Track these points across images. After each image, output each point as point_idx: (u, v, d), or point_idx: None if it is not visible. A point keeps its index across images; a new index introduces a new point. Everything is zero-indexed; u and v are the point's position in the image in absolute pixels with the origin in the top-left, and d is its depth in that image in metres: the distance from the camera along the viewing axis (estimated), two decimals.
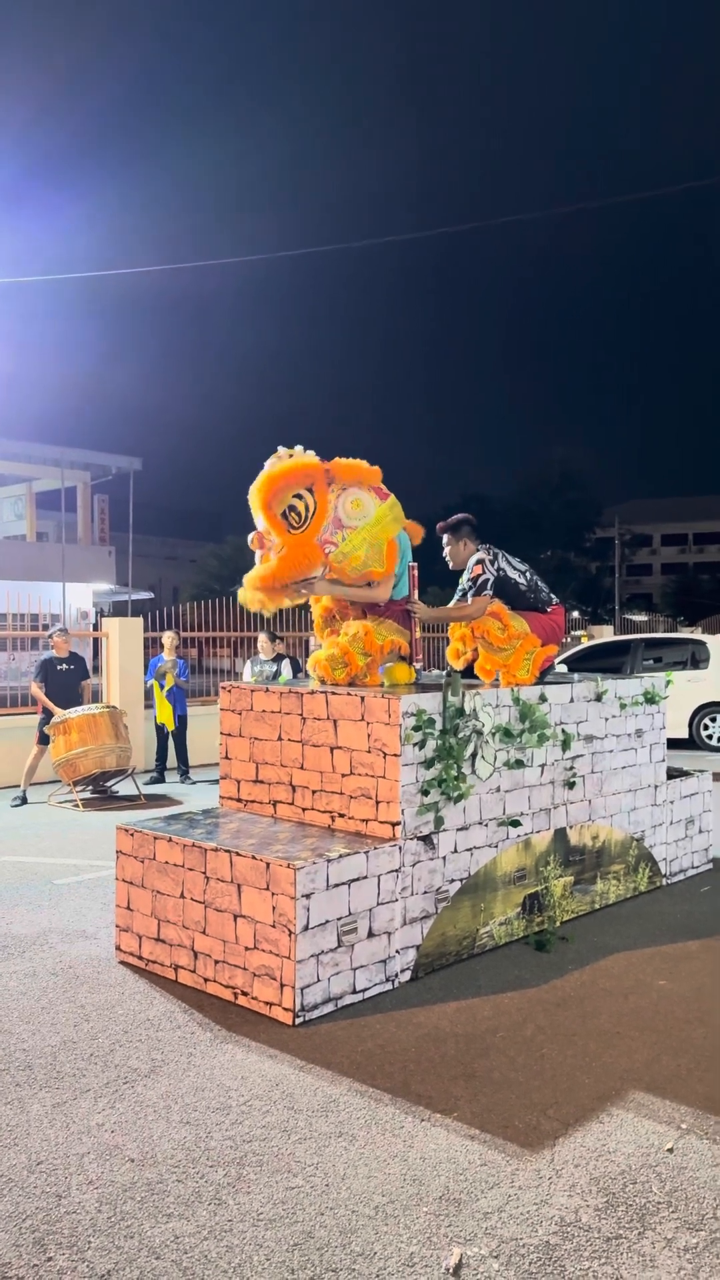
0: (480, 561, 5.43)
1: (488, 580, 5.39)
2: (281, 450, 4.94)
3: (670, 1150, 3.02)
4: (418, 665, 5.41)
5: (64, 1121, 3.22)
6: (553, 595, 5.67)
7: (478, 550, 5.52)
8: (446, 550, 5.67)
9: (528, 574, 5.58)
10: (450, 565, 5.69)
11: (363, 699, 4.60)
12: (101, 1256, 2.53)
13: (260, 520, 4.88)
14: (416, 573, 5.36)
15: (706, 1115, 3.22)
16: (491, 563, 5.42)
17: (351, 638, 5.07)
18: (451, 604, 5.63)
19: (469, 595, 5.46)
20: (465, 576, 5.55)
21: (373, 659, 5.07)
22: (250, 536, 5.00)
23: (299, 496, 4.79)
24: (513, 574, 5.48)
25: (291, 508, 4.79)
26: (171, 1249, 2.55)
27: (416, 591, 5.35)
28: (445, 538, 5.69)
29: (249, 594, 4.98)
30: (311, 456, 4.93)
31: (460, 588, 5.60)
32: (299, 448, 4.96)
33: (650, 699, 5.98)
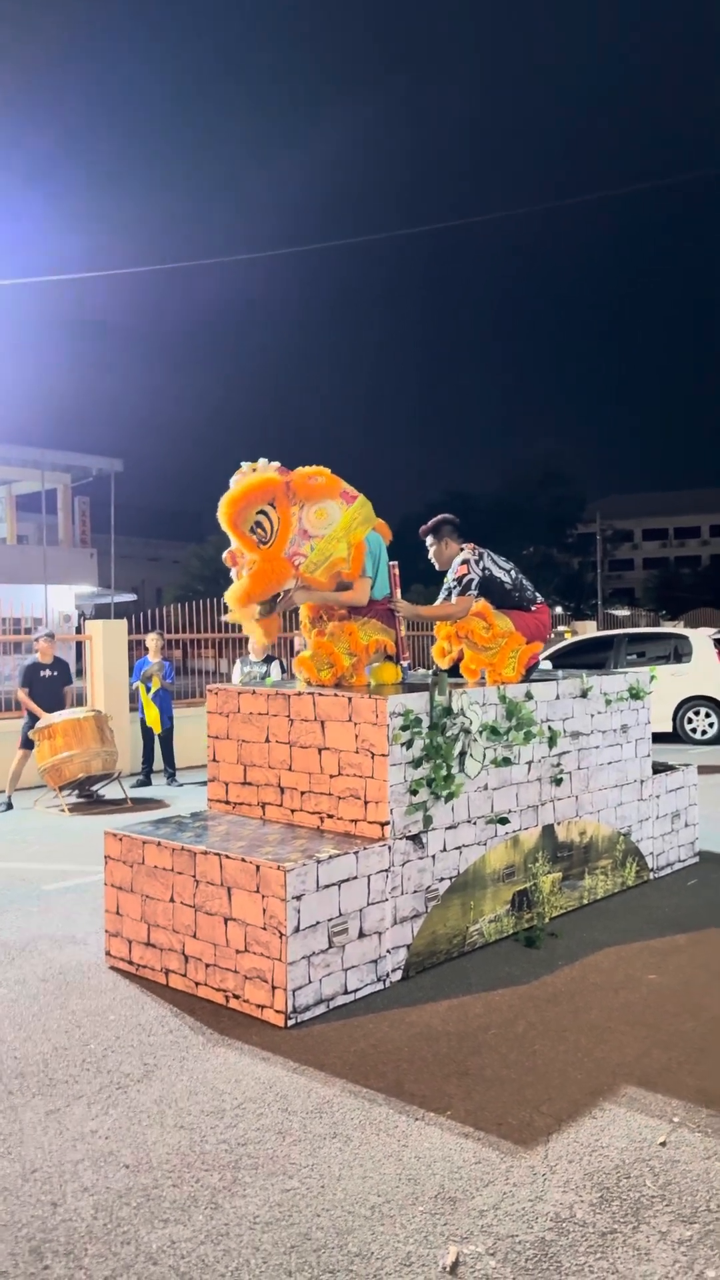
0: (466, 561, 5.45)
1: (472, 580, 5.40)
2: (245, 465, 4.96)
3: (663, 1144, 3.04)
4: (404, 664, 5.42)
5: (58, 1129, 3.21)
6: (538, 594, 5.70)
7: (462, 549, 5.54)
8: (431, 552, 5.69)
9: (513, 572, 5.60)
10: (436, 566, 5.70)
11: (350, 700, 4.60)
12: (99, 1263, 2.53)
13: (231, 539, 4.94)
14: (398, 571, 5.37)
15: (698, 1108, 3.25)
16: (477, 562, 5.44)
17: (336, 637, 5.08)
18: (436, 603, 5.65)
19: (453, 595, 5.47)
20: (450, 576, 5.56)
21: (358, 658, 5.08)
22: (225, 555, 5.06)
23: (262, 513, 4.84)
24: (498, 573, 5.50)
25: (257, 523, 4.85)
26: (169, 1254, 2.55)
27: (399, 590, 5.36)
28: (428, 540, 5.71)
29: (234, 613, 5.04)
30: (273, 470, 4.94)
31: (446, 587, 5.62)
32: (262, 461, 4.97)
33: (635, 694, 6.01)
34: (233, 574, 5.05)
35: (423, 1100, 3.34)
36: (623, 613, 37.47)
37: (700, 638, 13.25)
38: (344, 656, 5.03)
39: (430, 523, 5.75)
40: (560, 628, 22.09)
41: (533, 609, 5.57)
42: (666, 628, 20.16)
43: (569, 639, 15.52)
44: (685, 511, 76.41)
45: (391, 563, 5.34)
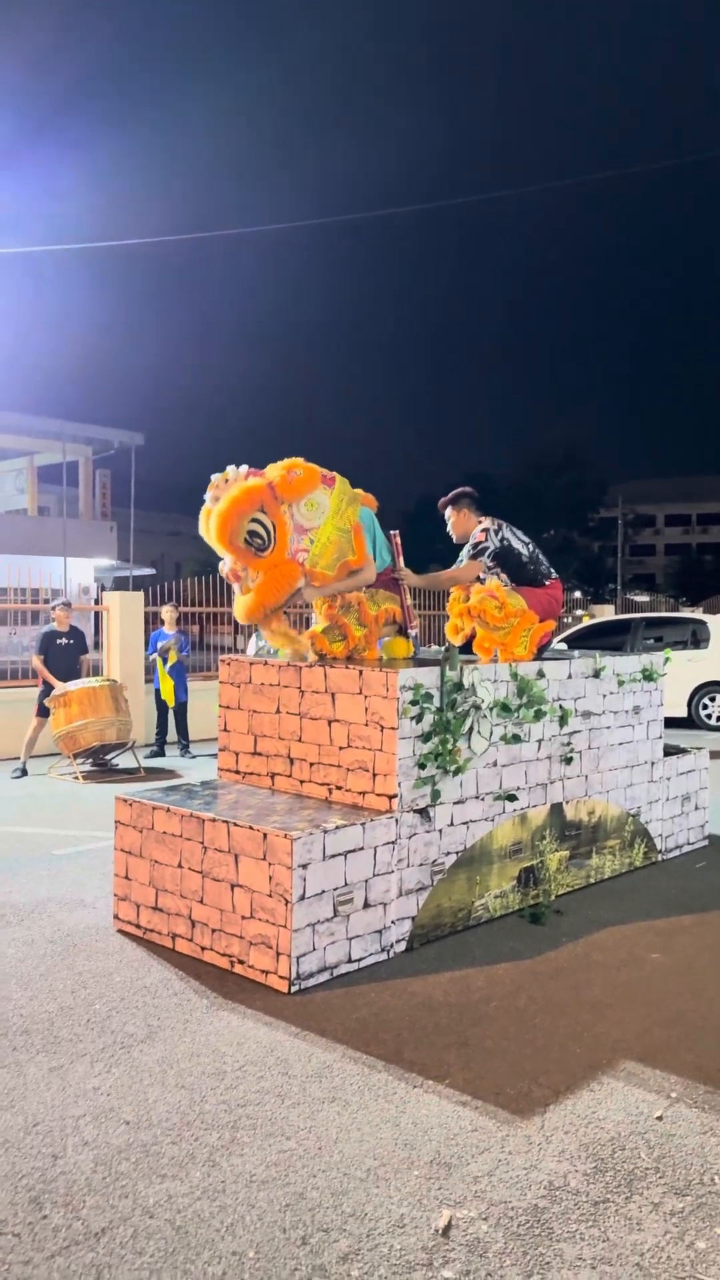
0: (485, 530, 5.46)
1: (487, 548, 5.41)
2: (215, 478, 4.83)
3: (659, 1118, 3.05)
4: (413, 631, 5.42)
5: (60, 1085, 3.26)
6: (552, 570, 5.68)
7: (482, 521, 5.54)
8: (450, 524, 5.69)
9: (530, 546, 5.59)
10: (454, 538, 5.70)
11: (360, 673, 4.61)
12: (96, 1215, 2.57)
13: (226, 557, 4.83)
14: (399, 539, 5.35)
15: (696, 1085, 3.26)
16: (495, 532, 5.45)
17: (346, 610, 5.08)
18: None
19: (465, 561, 5.48)
20: (467, 546, 5.56)
21: (369, 629, 5.08)
22: (224, 571, 4.94)
23: (256, 521, 4.71)
24: (516, 544, 5.50)
25: (252, 533, 4.71)
26: (165, 1208, 2.59)
27: (401, 559, 5.35)
28: (447, 511, 5.71)
29: (247, 621, 4.98)
30: (246, 474, 4.81)
31: (460, 557, 5.62)
32: (230, 469, 4.83)
33: (648, 676, 5.99)
34: (236, 589, 4.97)
35: (422, 1068, 3.36)
36: (642, 598, 37.27)
37: (718, 623, 13.17)
38: (355, 628, 5.03)
39: (450, 494, 5.75)
40: (578, 611, 22.00)
41: (546, 584, 5.54)
42: (685, 613, 20.04)
43: (586, 622, 15.46)
44: (709, 498, 75.71)
45: (392, 531, 5.32)
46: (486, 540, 5.41)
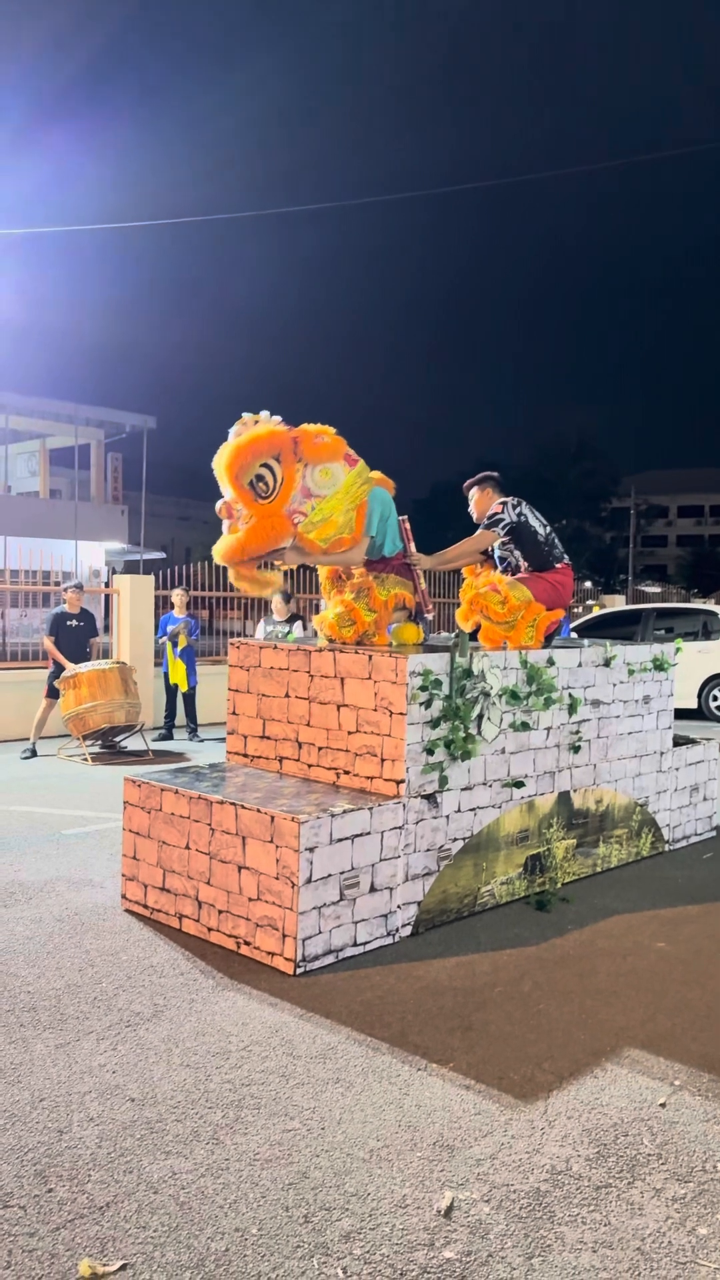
0: (503, 504, 5.46)
1: (502, 519, 5.41)
2: (246, 417, 4.79)
3: (663, 1105, 3.06)
4: (428, 616, 5.41)
5: (66, 1061, 3.28)
6: (565, 555, 5.66)
7: (501, 500, 5.55)
8: (472, 504, 5.71)
9: (547, 529, 5.59)
10: (475, 519, 5.70)
11: (370, 657, 4.60)
12: (101, 1189, 2.59)
13: (227, 490, 4.73)
14: (409, 525, 5.34)
15: (700, 1072, 3.26)
16: (513, 507, 5.45)
17: (356, 594, 5.07)
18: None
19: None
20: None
21: (379, 615, 5.07)
22: (218, 505, 4.86)
23: (266, 466, 4.65)
24: (534, 523, 5.49)
25: (259, 478, 4.65)
26: (169, 1184, 2.61)
27: (413, 544, 5.33)
28: (472, 492, 5.76)
29: (222, 561, 4.87)
30: (277, 424, 4.78)
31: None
32: (264, 414, 4.80)
33: (659, 666, 5.97)
34: (224, 526, 4.87)
35: (426, 1051, 3.38)
36: (653, 589, 37.15)
37: None
38: (365, 613, 5.02)
39: (475, 476, 5.81)
40: (589, 601, 21.93)
41: (556, 568, 5.51)
42: (696, 604, 19.95)
43: (597, 612, 15.42)
44: None
45: (402, 517, 5.31)
46: (503, 513, 5.41)
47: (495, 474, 5.80)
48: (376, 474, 5.18)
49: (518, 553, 5.54)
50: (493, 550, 5.65)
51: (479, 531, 5.48)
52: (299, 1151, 2.77)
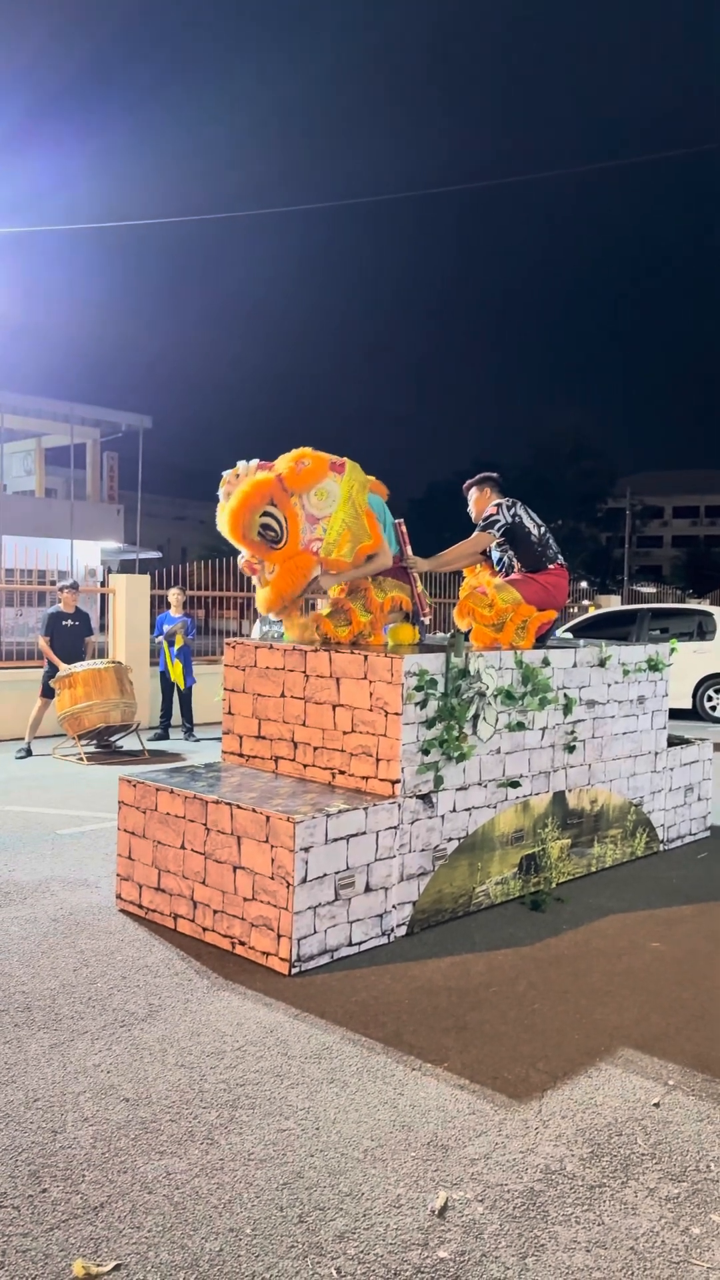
0: (498, 505, 5.48)
1: (497, 520, 5.44)
2: (226, 474, 4.96)
3: (656, 1105, 3.06)
4: (425, 619, 5.42)
5: (61, 1061, 3.28)
6: (560, 555, 5.66)
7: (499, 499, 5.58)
8: (471, 505, 5.74)
9: (542, 529, 5.61)
10: (473, 519, 5.74)
11: (366, 657, 4.61)
12: (95, 1189, 2.59)
13: (242, 551, 4.95)
14: (405, 528, 5.36)
15: (694, 1072, 3.27)
16: (508, 509, 5.48)
17: (353, 595, 5.08)
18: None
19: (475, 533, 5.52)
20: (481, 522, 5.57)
21: (374, 616, 5.08)
22: (241, 564, 5.07)
23: (267, 514, 4.78)
24: (528, 523, 5.52)
25: (265, 526, 4.80)
26: (163, 1184, 2.61)
27: (409, 547, 5.35)
28: (471, 493, 5.79)
29: (269, 613, 5.07)
30: (256, 468, 4.89)
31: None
32: (242, 464, 4.94)
33: (654, 666, 5.98)
34: (255, 581, 5.08)
35: (420, 1051, 3.38)
36: (649, 589, 37.17)
37: None
38: (360, 613, 5.04)
39: (475, 477, 5.86)
40: (585, 602, 21.96)
41: (549, 568, 5.53)
42: (691, 604, 19.97)
43: (593, 612, 15.43)
44: (717, 490, 75.38)
45: (397, 520, 5.33)
46: (499, 514, 5.44)
47: (494, 475, 5.84)
48: (370, 478, 5.20)
49: (511, 553, 5.55)
50: (489, 551, 5.66)
51: (475, 534, 5.50)
52: (293, 1151, 2.77)
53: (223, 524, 4.87)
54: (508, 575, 5.58)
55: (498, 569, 5.66)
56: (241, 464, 4.92)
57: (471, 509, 5.74)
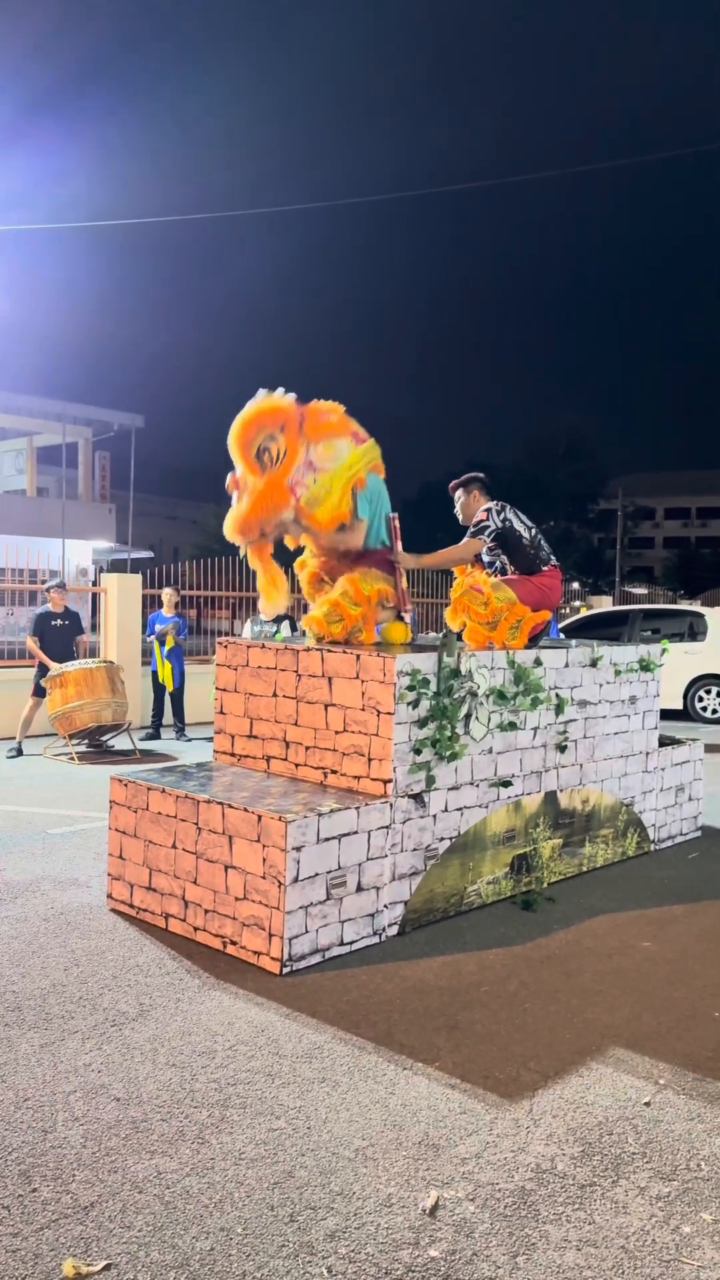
0: (488, 510, 5.48)
1: (487, 527, 5.43)
2: (262, 392, 4.98)
3: (647, 1104, 3.07)
4: (407, 616, 5.40)
5: (51, 1061, 3.27)
6: (552, 556, 5.66)
7: (487, 504, 5.56)
8: (458, 506, 5.73)
9: (532, 531, 5.58)
10: (460, 520, 5.72)
11: (358, 657, 4.60)
12: (85, 1189, 2.58)
13: (238, 463, 4.94)
14: (398, 523, 5.35)
15: (684, 1071, 3.27)
16: (498, 513, 5.47)
17: (341, 593, 5.08)
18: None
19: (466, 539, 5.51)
20: (471, 527, 5.57)
21: (364, 609, 5.07)
22: (228, 480, 5.05)
23: (272, 438, 4.84)
24: (518, 526, 5.50)
25: (264, 449, 4.85)
26: (154, 1184, 2.60)
27: (400, 542, 5.33)
28: (458, 494, 5.77)
29: (231, 537, 5.04)
30: (287, 400, 4.94)
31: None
32: (280, 390, 4.97)
33: (645, 666, 5.99)
34: (233, 499, 5.05)
35: (411, 1051, 3.38)
36: (640, 591, 37.24)
37: (716, 616, 13.18)
38: (350, 607, 5.03)
39: (461, 478, 5.82)
40: (576, 603, 22.00)
41: (543, 570, 5.51)
42: (683, 605, 20.03)
43: (585, 613, 15.46)
44: (710, 491, 75.63)
45: (391, 514, 5.32)
46: (488, 520, 5.43)
47: (481, 475, 5.82)
48: (379, 464, 5.23)
49: (504, 558, 5.55)
50: (481, 555, 5.65)
51: (465, 540, 5.47)
52: (284, 1151, 2.77)
53: (233, 429, 4.88)
54: (503, 577, 5.58)
55: (490, 573, 5.65)
56: (279, 390, 4.96)
57: (459, 510, 5.73)
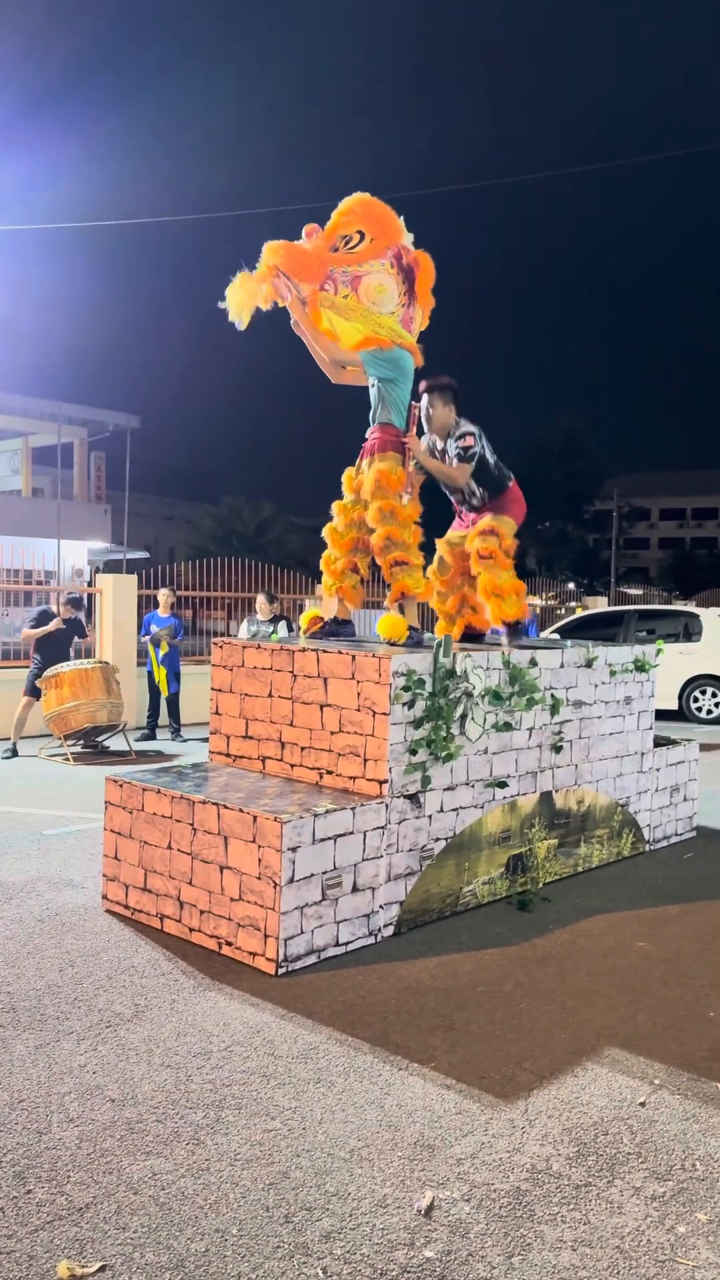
0: (472, 434, 5.56)
1: (476, 454, 5.56)
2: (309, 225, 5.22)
3: (642, 1104, 3.07)
4: (406, 498, 5.31)
5: (46, 1062, 3.26)
6: (510, 472, 5.84)
7: (461, 422, 5.60)
8: (426, 410, 5.63)
9: (492, 453, 5.74)
10: (428, 427, 5.69)
11: (354, 658, 4.60)
12: (80, 1190, 2.57)
13: (322, 233, 5.13)
14: (419, 412, 5.47)
15: (679, 1072, 3.28)
16: (480, 438, 5.60)
17: (385, 521, 5.17)
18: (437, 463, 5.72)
19: (455, 461, 5.59)
20: (453, 443, 5.60)
21: (411, 530, 5.22)
22: (273, 286, 5.14)
23: (360, 234, 5.02)
24: (487, 454, 5.67)
25: (346, 239, 5.01)
26: (149, 1185, 2.60)
27: (415, 429, 5.44)
28: (430, 397, 5.63)
29: (268, 245, 5.13)
30: (400, 223, 5.23)
31: (445, 450, 5.67)
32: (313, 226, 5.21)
33: (640, 667, 6.00)
34: (277, 292, 5.16)
35: (407, 1051, 3.38)
36: (635, 591, 37.28)
37: (711, 616, 13.19)
38: (402, 530, 5.17)
39: (438, 380, 5.66)
40: (572, 603, 22.02)
41: (509, 485, 5.75)
42: (678, 606, 20.05)
43: (580, 613, 15.48)
44: (705, 492, 75.73)
45: (414, 403, 5.43)
46: (476, 445, 5.56)
47: (454, 384, 5.71)
48: (411, 342, 5.40)
49: (473, 483, 5.68)
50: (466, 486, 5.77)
51: (458, 465, 5.57)
52: (280, 1151, 2.77)
53: (346, 205, 5.13)
54: (480, 505, 5.72)
55: (468, 497, 5.78)
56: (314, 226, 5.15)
57: (425, 417, 5.62)
